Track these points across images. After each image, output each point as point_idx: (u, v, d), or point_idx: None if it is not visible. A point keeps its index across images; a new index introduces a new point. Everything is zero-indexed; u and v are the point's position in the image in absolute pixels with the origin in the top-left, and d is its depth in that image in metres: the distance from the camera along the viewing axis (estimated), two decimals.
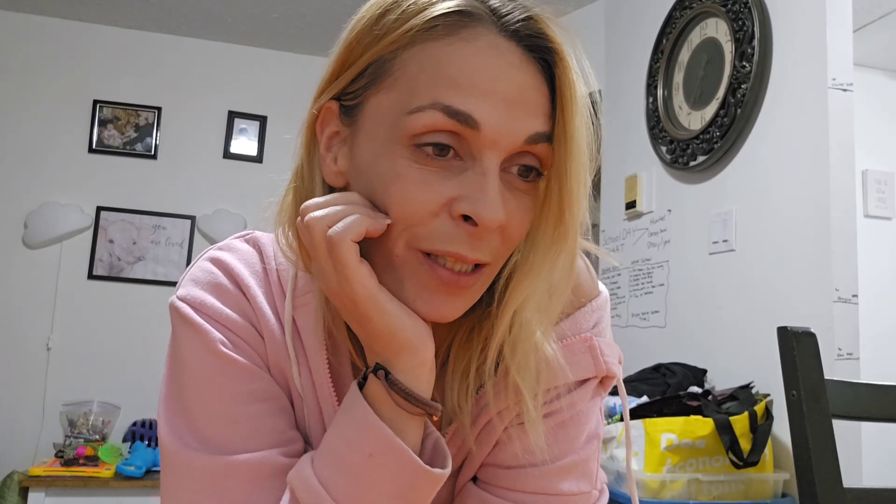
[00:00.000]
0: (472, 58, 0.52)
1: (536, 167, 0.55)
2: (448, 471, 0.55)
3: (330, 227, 0.52)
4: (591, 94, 0.58)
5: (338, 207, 0.53)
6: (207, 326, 0.59)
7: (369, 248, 0.55)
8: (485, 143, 0.52)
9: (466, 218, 0.52)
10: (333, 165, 0.58)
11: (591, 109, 0.56)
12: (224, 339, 0.59)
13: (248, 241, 0.66)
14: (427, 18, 0.53)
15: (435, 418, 0.56)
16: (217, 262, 0.63)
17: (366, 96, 0.56)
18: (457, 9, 0.53)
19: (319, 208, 0.53)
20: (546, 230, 0.55)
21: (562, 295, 0.58)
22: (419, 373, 0.54)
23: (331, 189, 0.59)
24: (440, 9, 0.53)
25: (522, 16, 0.54)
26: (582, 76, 0.55)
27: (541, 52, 0.54)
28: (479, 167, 0.52)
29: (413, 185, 0.52)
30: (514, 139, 0.52)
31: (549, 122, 0.54)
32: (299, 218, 0.54)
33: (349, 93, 0.57)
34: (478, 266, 0.55)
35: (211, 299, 0.60)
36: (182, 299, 0.61)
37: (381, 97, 0.54)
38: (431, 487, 0.54)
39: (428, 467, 0.53)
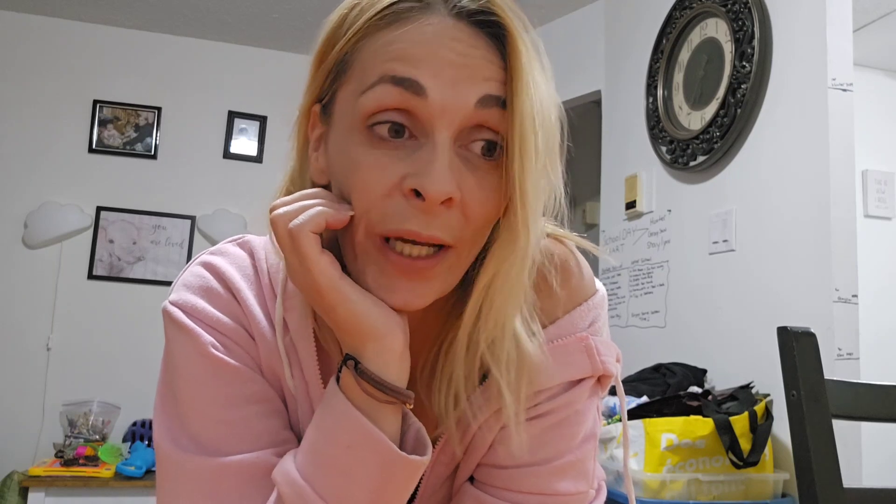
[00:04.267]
0: (416, 34, 0.53)
1: (498, 143, 0.54)
2: (427, 458, 0.55)
3: (291, 221, 0.53)
4: (553, 91, 0.57)
5: (301, 203, 0.54)
6: (199, 330, 0.60)
7: (341, 242, 0.57)
8: (434, 112, 0.52)
9: (417, 194, 0.52)
10: (317, 164, 0.60)
11: (555, 93, 0.56)
12: (215, 342, 0.60)
13: (240, 245, 0.66)
14: (379, 9, 0.54)
15: (410, 406, 0.56)
16: (208, 267, 0.63)
17: (333, 92, 0.57)
18: None
19: (285, 205, 0.55)
20: (509, 211, 0.54)
21: (520, 280, 0.56)
22: (387, 360, 0.54)
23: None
24: None
25: None
26: (538, 58, 0.55)
27: (492, 28, 0.54)
28: (429, 143, 0.52)
29: (367, 170, 0.53)
30: (462, 104, 0.52)
31: (503, 88, 0.54)
32: None
33: (325, 92, 0.59)
34: (439, 249, 0.54)
35: (202, 303, 0.61)
36: (174, 304, 0.62)
37: (344, 90, 0.56)
38: (411, 475, 0.54)
39: (405, 455, 0.53)
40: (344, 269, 0.56)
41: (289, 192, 0.62)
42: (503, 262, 0.55)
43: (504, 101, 0.53)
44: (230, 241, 0.67)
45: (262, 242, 0.66)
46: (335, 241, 0.59)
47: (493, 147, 0.54)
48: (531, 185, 0.53)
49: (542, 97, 0.54)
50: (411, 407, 0.56)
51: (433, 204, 0.51)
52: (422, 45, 0.52)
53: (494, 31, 0.54)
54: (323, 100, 0.59)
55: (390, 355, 0.54)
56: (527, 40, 0.54)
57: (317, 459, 0.54)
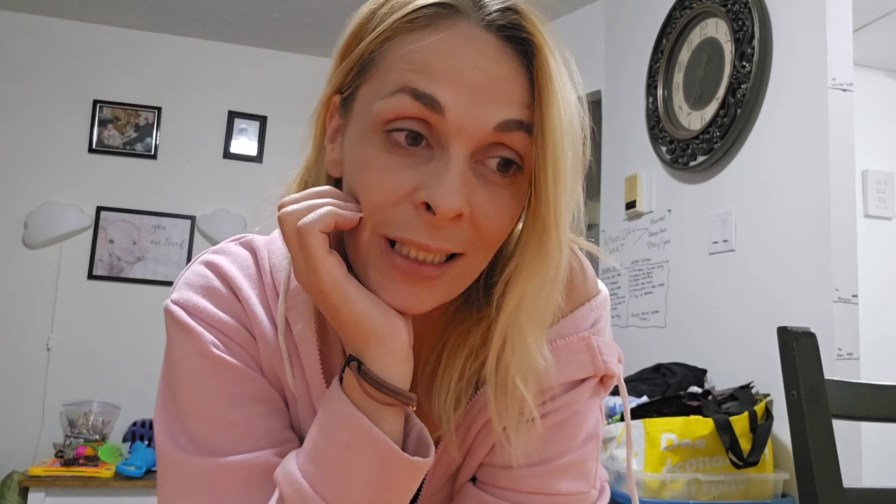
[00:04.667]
0: (441, 45, 0.52)
1: (516, 161, 0.54)
2: (430, 460, 0.55)
3: (300, 219, 0.53)
4: (581, 97, 0.57)
5: (311, 202, 0.54)
6: (200, 329, 0.60)
7: (346, 241, 0.57)
8: (451, 129, 0.52)
9: (428, 207, 0.52)
10: (332, 155, 0.60)
11: (580, 106, 0.55)
12: (216, 341, 0.60)
13: (242, 245, 0.66)
14: (409, 10, 0.54)
15: (413, 408, 0.56)
16: (210, 266, 0.63)
17: (355, 87, 0.57)
18: (438, 0, 0.54)
19: (294, 203, 0.54)
20: (532, 230, 0.54)
21: (551, 298, 0.56)
22: (389, 362, 0.54)
23: (336, 180, 0.60)
24: (422, 1, 0.54)
25: (500, 6, 0.54)
26: (567, 73, 0.54)
27: (521, 45, 0.54)
28: (444, 156, 0.52)
29: (377, 173, 0.53)
30: (481, 126, 0.52)
31: (526, 112, 0.53)
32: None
33: (347, 85, 0.58)
34: (449, 258, 0.54)
35: (204, 302, 0.61)
36: (175, 302, 0.61)
37: (365, 88, 0.56)
38: (412, 476, 0.54)
39: (406, 455, 0.53)
40: (350, 268, 0.56)
41: (305, 182, 0.62)
42: (530, 282, 0.54)
43: (526, 124, 0.53)
44: (232, 241, 0.67)
45: (265, 242, 0.66)
46: (341, 241, 0.59)
47: (510, 164, 0.54)
48: (565, 206, 0.53)
49: (572, 115, 0.53)
50: (414, 409, 0.56)
51: (442, 219, 0.51)
52: (446, 59, 0.52)
53: (523, 48, 0.53)
54: (344, 92, 0.59)
55: (392, 357, 0.54)
56: (558, 58, 0.53)
57: (318, 459, 0.54)
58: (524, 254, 0.55)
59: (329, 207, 0.53)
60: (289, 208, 0.54)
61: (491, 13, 0.53)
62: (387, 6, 0.55)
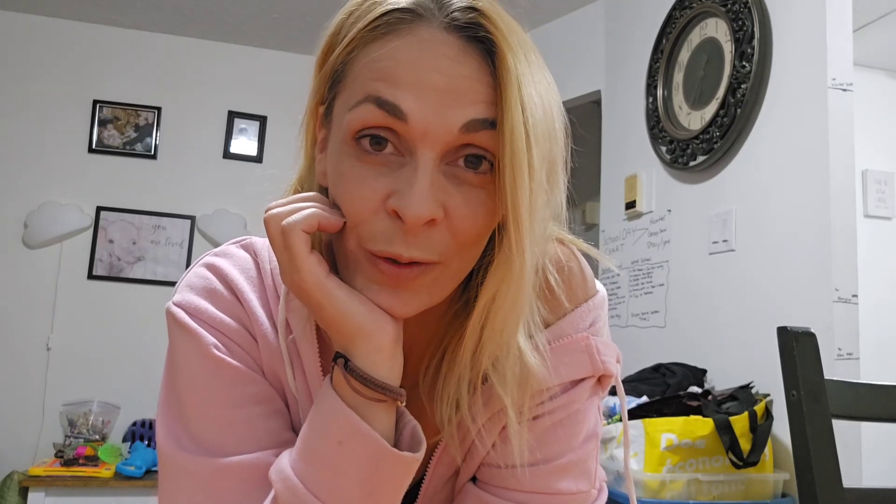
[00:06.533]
0: (402, 51, 0.52)
1: (486, 157, 0.53)
2: (419, 455, 0.55)
3: (284, 220, 0.54)
4: (558, 96, 0.56)
5: (296, 204, 0.55)
6: (201, 331, 0.60)
7: (335, 247, 0.58)
8: (416, 135, 0.52)
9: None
10: (320, 166, 0.60)
11: (552, 103, 0.55)
12: (218, 343, 0.60)
13: (243, 247, 0.67)
14: (371, 19, 0.54)
15: (402, 403, 0.56)
16: (212, 268, 0.64)
17: (332, 98, 0.58)
18: (396, 7, 0.54)
19: (279, 206, 0.55)
20: (504, 232, 0.54)
21: (518, 299, 0.55)
22: (376, 358, 0.54)
23: (326, 192, 0.60)
24: (382, 9, 0.54)
25: (461, 6, 0.53)
26: (536, 70, 0.54)
27: (484, 43, 0.53)
28: (413, 162, 0.52)
29: (353, 183, 0.53)
30: (446, 129, 0.51)
31: (493, 109, 0.52)
32: None
33: (325, 97, 0.59)
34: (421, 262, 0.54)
35: (205, 304, 0.62)
36: (177, 304, 0.62)
37: (339, 99, 0.56)
38: (403, 472, 0.54)
39: (395, 450, 0.53)
40: (338, 274, 0.56)
41: (297, 192, 0.63)
42: (501, 283, 0.54)
43: (492, 121, 0.52)
44: (233, 243, 0.68)
45: (266, 244, 0.66)
46: (330, 248, 0.59)
47: (479, 160, 0.53)
48: (525, 206, 0.52)
49: (537, 112, 0.53)
50: (403, 404, 0.56)
51: (414, 226, 0.51)
52: (408, 65, 0.52)
53: (487, 47, 0.53)
54: (325, 103, 0.59)
55: (379, 353, 0.54)
56: (519, 53, 0.53)
57: (308, 456, 0.54)
58: (496, 253, 0.55)
59: (313, 210, 0.54)
60: (274, 210, 0.55)
61: (451, 14, 0.53)
62: (352, 17, 0.56)
